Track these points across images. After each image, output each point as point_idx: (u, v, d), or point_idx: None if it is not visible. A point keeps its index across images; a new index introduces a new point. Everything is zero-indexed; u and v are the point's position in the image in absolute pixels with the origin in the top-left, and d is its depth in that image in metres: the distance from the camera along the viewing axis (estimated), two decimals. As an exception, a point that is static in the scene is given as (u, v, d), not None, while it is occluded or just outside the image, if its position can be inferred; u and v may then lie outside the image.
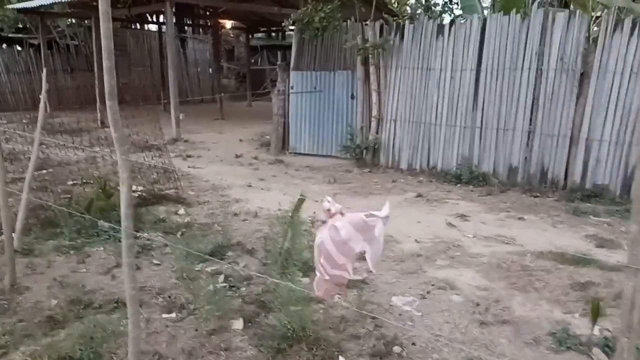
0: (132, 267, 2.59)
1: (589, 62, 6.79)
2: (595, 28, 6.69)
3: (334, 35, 9.01)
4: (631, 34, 6.50)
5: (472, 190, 7.28)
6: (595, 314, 3.61)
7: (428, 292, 4.02)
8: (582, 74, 6.86)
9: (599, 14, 6.56)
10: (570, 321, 3.60)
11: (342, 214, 2.21)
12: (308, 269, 3.91)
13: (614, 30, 6.59)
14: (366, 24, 8.66)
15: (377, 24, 8.62)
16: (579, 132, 6.98)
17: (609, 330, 3.45)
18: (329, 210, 2.24)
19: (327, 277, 2.27)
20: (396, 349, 3.24)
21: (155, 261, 4.49)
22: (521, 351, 3.27)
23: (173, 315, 3.58)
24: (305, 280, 3.90)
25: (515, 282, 4.24)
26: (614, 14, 6.53)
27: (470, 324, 3.58)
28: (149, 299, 3.79)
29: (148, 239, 4.83)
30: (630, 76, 6.55)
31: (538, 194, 7.01)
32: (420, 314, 3.69)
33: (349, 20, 8.88)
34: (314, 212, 4.85)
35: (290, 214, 4.13)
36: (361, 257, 2.25)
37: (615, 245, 5.15)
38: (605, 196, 6.71)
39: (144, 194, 6.35)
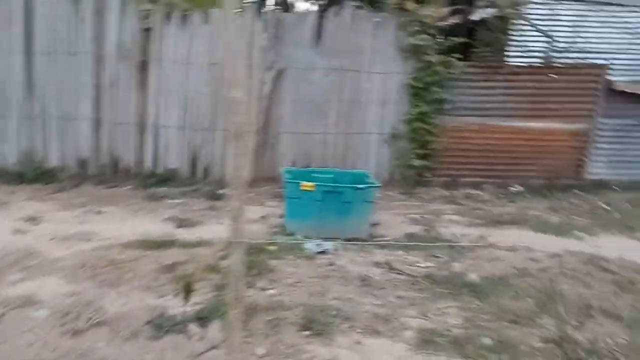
0: None
1: (148, 51, 6.99)
2: (151, 18, 6.89)
3: None
4: (181, 26, 7.02)
5: (40, 189, 6.46)
6: (186, 291, 3.79)
7: (2, 316, 3.31)
8: (143, 62, 7.00)
9: (151, 5, 6.79)
10: (165, 304, 3.64)
11: None
12: None
13: (167, 22, 6.97)
14: None
15: None
16: (146, 119, 7.15)
17: (199, 304, 3.64)
18: None
19: None
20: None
21: None
22: (121, 349, 3.10)
23: None
24: None
25: (105, 278, 4.00)
26: (165, 6, 6.88)
27: (61, 337, 3.15)
28: None
29: None
30: (185, 65, 7.06)
31: (113, 184, 6.85)
32: (-6, 345, 3.00)
33: None
34: None
35: None
36: None
37: (192, 223, 5.56)
38: (177, 179, 7.14)
39: None
